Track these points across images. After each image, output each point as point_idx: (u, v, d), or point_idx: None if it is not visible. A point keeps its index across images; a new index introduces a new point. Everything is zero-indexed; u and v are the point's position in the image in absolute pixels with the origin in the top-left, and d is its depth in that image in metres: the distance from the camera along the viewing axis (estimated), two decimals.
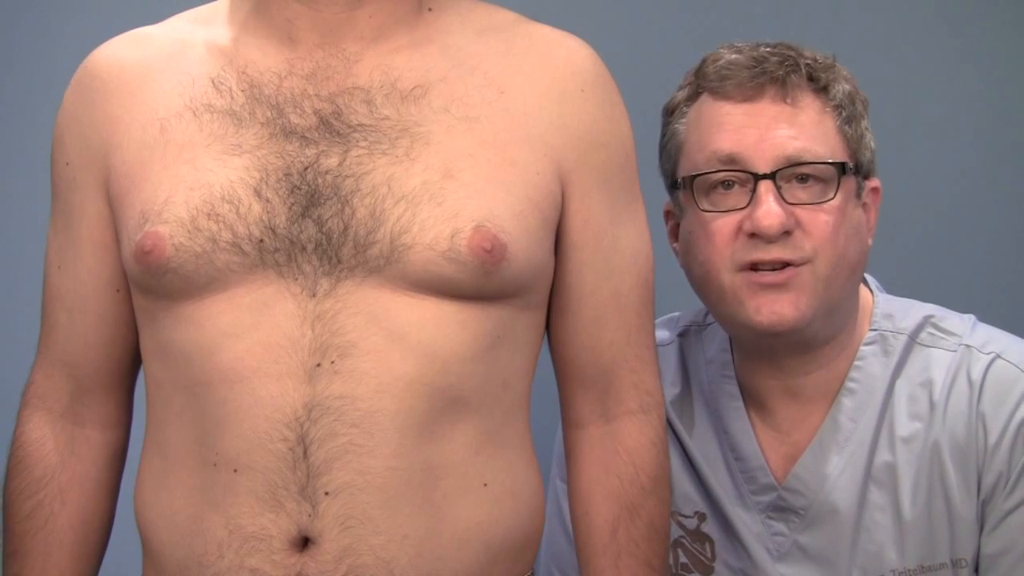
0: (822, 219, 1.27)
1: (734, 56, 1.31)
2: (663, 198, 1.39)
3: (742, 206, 1.28)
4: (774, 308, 1.27)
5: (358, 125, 1.12)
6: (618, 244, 1.20)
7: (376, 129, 1.12)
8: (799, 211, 1.27)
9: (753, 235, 1.27)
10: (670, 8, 1.81)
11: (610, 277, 1.19)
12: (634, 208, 1.22)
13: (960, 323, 1.36)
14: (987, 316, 1.39)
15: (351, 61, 1.15)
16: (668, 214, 1.39)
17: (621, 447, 1.19)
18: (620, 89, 1.22)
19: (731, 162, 1.28)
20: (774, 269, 1.27)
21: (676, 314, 1.50)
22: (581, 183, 1.17)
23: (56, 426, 1.22)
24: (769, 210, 1.26)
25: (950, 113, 1.82)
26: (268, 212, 1.09)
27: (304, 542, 1.08)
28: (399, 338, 1.09)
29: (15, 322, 1.57)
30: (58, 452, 1.21)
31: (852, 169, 1.30)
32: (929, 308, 1.38)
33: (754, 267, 1.27)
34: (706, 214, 1.30)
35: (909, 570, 1.30)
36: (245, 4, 1.20)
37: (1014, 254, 1.81)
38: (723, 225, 1.28)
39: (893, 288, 1.43)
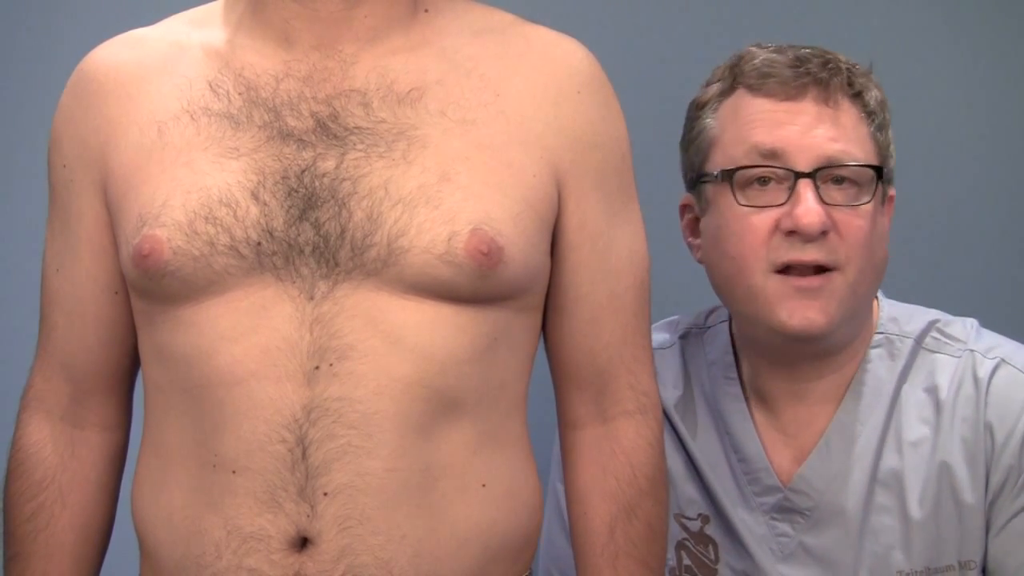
0: (856, 223, 1.28)
1: (774, 55, 1.31)
2: (659, 199, 1.38)
3: (779, 203, 1.28)
4: (806, 314, 1.27)
5: (355, 128, 1.12)
6: (614, 245, 1.20)
7: (373, 132, 1.12)
8: (835, 213, 1.27)
9: (790, 233, 1.27)
10: (668, 10, 1.80)
11: (606, 278, 1.19)
12: (630, 209, 1.22)
13: (963, 329, 1.36)
14: (988, 322, 1.39)
15: (347, 63, 1.15)
16: (685, 208, 1.39)
17: (618, 448, 1.20)
18: (617, 91, 1.22)
19: (772, 156, 1.28)
20: (805, 274, 1.27)
21: (675, 317, 1.49)
22: (577, 185, 1.17)
23: (56, 428, 1.22)
24: (809, 208, 1.26)
25: (953, 119, 1.81)
26: (266, 215, 1.09)
27: (303, 542, 1.08)
28: (396, 340, 1.09)
29: (14, 324, 1.57)
30: (58, 454, 1.21)
31: (883, 175, 1.31)
32: (933, 313, 1.38)
33: (788, 269, 1.27)
34: (743, 208, 1.29)
35: (916, 572, 1.30)
36: (240, 5, 1.19)
37: (1016, 260, 1.81)
38: (759, 222, 1.28)
39: (894, 294, 1.43)
